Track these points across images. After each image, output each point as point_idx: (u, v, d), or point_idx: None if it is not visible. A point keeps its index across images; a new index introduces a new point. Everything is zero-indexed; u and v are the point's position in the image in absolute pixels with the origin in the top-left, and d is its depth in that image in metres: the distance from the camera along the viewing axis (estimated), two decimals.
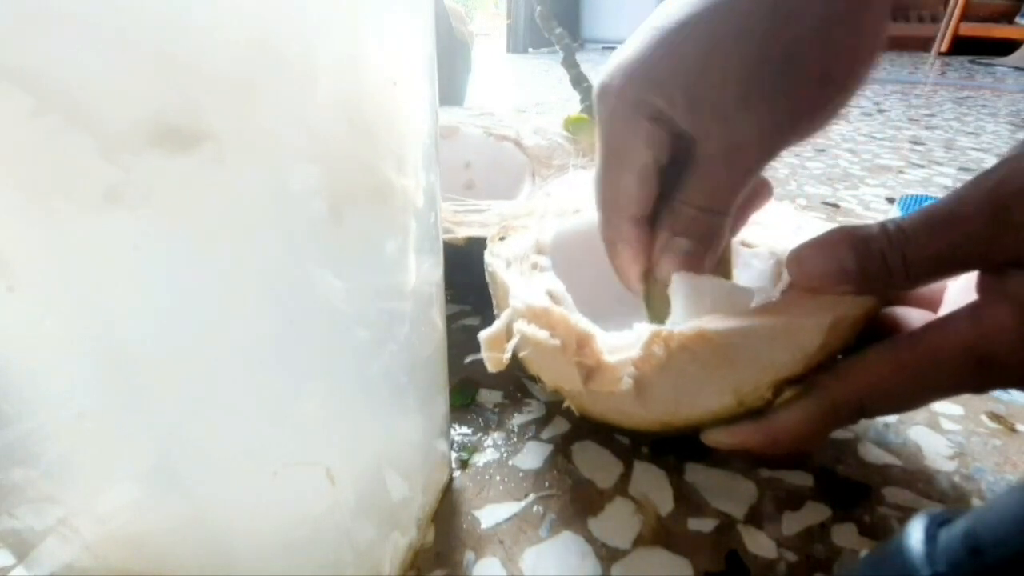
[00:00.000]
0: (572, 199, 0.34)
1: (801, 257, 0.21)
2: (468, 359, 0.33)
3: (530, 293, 0.25)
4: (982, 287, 0.18)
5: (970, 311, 0.18)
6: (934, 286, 0.23)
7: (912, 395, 0.19)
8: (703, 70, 0.21)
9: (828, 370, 0.20)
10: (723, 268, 0.26)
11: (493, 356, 0.24)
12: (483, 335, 0.24)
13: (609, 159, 0.24)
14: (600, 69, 0.24)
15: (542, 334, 0.23)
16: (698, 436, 0.22)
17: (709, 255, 0.23)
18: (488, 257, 0.29)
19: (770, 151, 0.22)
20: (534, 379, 0.26)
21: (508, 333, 0.24)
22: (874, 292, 0.20)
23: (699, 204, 0.22)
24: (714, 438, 0.22)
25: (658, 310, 0.25)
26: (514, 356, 0.23)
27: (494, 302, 0.28)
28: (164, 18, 0.09)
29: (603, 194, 0.24)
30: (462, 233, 0.32)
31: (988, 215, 0.17)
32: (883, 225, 0.19)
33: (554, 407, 0.30)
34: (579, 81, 0.45)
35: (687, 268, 0.23)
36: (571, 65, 0.45)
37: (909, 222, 0.18)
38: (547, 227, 0.31)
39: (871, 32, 0.21)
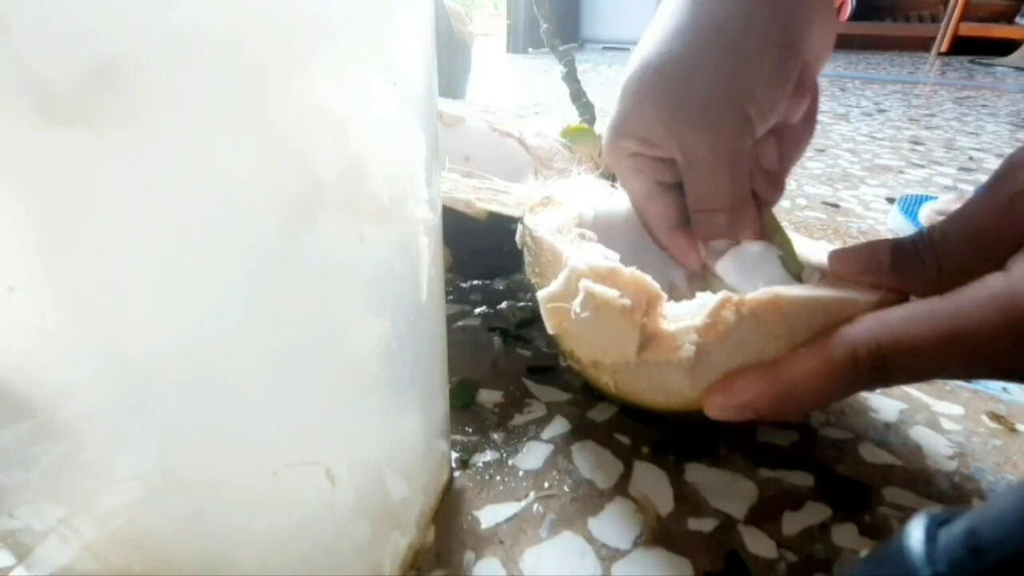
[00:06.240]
0: (603, 185, 0.34)
1: (840, 251, 0.23)
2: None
3: (590, 255, 0.24)
4: (1008, 264, 0.18)
5: (1002, 272, 0.18)
6: None
7: (940, 351, 0.18)
8: (667, 114, 0.26)
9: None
10: (774, 235, 0.28)
11: (555, 314, 0.23)
12: (542, 294, 0.24)
13: (630, 195, 0.30)
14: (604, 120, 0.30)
15: (612, 293, 0.22)
16: (705, 433, 0.22)
17: (746, 235, 0.27)
18: (529, 223, 0.28)
19: (731, 154, 0.26)
20: (564, 355, 0.26)
21: (568, 293, 0.23)
22: (907, 282, 0.21)
23: (703, 208, 0.27)
24: (715, 401, 0.21)
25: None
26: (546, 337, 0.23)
27: (529, 269, 0.28)
28: None
29: (641, 218, 0.31)
30: (483, 207, 0.31)
31: (1005, 220, 0.19)
32: (918, 231, 0.21)
33: (554, 407, 0.30)
34: (578, 96, 0.47)
35: (730, 259, 0.27)
36: (572, 81, 0.47)
37: (939, 223, 0.20)
38: (588, 203, 0.31)
39: (794, 59, 0.25)
